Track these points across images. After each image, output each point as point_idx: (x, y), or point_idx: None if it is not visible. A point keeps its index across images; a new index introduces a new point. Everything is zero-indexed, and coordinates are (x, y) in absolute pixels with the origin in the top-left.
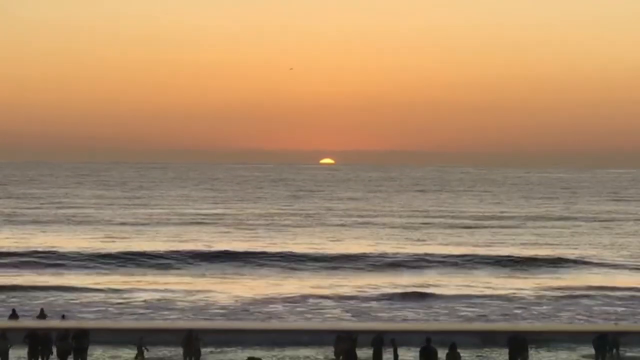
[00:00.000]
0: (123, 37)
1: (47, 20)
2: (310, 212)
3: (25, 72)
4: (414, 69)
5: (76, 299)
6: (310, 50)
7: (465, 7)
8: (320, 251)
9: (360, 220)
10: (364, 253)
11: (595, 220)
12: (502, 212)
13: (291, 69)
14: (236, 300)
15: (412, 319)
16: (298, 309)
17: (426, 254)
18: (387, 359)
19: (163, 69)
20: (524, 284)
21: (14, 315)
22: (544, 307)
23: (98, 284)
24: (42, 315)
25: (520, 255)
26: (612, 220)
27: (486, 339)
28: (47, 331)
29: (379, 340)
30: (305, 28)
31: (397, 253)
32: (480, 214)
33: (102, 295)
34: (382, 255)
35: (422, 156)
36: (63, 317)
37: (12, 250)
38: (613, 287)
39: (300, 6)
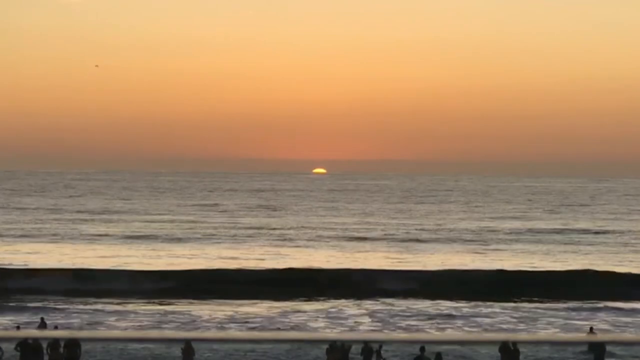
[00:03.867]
0: (121, 46)
1: (43, 27)
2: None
3: (21, 80)
4: (407, 78)
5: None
6: (303, 59)
7: (457, 18)
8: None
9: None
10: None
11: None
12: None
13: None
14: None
15: (403, 329)
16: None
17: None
18: None
19: (155, 78)
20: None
21: (42, 325)
22: None
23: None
24: (42, 325)
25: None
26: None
27: None
28: (39, 340)
29: (369, 350)
30: (299, 37)
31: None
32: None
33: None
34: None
35: (415, 165)
36: (56, 327)
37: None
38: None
39: (293, 15)
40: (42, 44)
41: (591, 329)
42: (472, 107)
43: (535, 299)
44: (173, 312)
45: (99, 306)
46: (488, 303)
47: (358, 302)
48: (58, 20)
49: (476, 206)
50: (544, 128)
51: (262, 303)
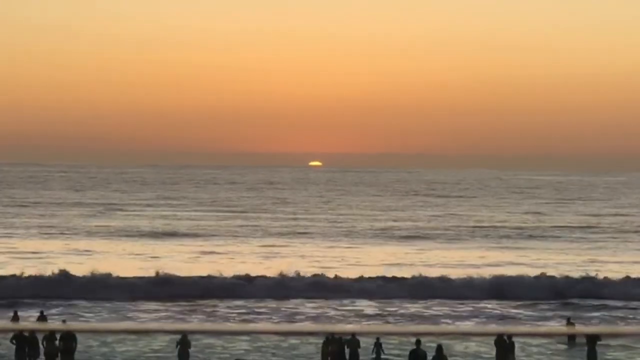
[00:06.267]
0: (121, 39)
1: (49, 22)
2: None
3: (26, 74)
4: (405, 72)
5: None
6: (301, 52)
7: (456, 11)
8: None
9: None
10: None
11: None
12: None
13: None
14: None
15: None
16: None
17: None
18: None
19: (150, 72)
20: None
21: (42, 317)
22: None
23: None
24: (42, 318)
25: None
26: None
27: None
28: (34, 333)
29: (355, 342)
30: (297, 31)
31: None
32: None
33: None
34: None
35: (412, 159)
36: (64, 322)
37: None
38: None
39: (291, 9)
40: (48, 39)
41: (569, 319)
42: (472, 102)
43: None
44: None
45: None
46: None
47: None
48: (66, 13)
49: (474, 197)
50: (544, 123)
51: None
